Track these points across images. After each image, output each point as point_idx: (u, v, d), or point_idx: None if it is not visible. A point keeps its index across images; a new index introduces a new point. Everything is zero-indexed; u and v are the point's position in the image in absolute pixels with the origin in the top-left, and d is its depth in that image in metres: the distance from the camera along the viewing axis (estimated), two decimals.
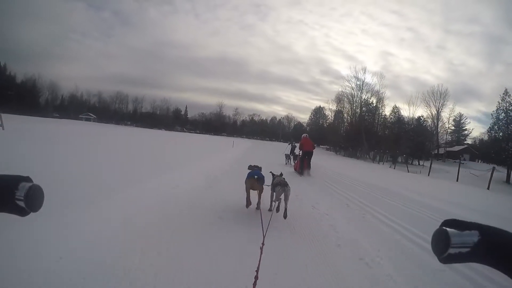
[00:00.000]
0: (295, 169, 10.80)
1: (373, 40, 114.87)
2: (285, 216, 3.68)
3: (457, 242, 0.42)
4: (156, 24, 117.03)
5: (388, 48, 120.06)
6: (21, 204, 0.48)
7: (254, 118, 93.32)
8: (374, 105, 37.26)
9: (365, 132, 33.43)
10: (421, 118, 38.08)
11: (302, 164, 10.15)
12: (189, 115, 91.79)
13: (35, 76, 71.28)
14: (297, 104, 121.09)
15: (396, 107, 38.78)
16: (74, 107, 76.46)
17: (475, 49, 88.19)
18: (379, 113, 36.46)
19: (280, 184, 3.81)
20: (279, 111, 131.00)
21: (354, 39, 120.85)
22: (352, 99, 39.22)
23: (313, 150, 10.68)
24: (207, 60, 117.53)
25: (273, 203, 4.00)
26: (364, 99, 38.11)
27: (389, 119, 37.02)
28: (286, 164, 13.24)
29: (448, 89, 39.25)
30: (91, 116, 77.34)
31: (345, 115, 46.01)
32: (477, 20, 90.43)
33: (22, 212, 0.49)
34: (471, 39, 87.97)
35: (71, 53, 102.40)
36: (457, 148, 52.33)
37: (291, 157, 13.61)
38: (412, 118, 38.13)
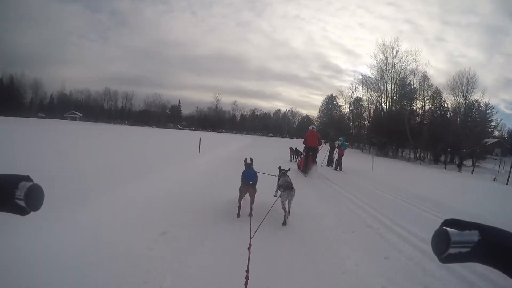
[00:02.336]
0: (298, 167, 9.70)
1: (371, 34, 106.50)
2: (283, 223, 3.57)
3: (457, 242, 0.42)
4: (152, 24, 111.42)
5: (386, 41, 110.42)
6: (21, 203, 0.49)
7: (256, 112, 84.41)
8: (413, 86, 27.86)
9: (408, 123, 24.24)
10: (475, 103, 28.30)
11: (306, 162, 8.99)
12: (186, 112, 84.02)
13: (17, 75, 66.57)
14: (298, 100, 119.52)
15: (438, 90, 28.99)
16: (60, 106, 72.07)
17: (474, 40, 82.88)
18: (423, 97, 26.84)
19: (283, 187, 3.75)
20: (281, 107, 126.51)
21: (352, 33, 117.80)
22: (381, 80, 29.94)
23: (319, 146, 9.50)
24: (205, 58, 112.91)
25: (285, 213, 3.67)
26: (398, 78, 28.80)
27: (431, 107, 27.33)
28: (291, 160, 12.13)
29: (476, 74, 28.25)
30: (77, 114, 71.95)
31: (365, 102, 36.91)
32: (474, 11, 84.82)
33: (23, 212, 0.50)
34: (469, 30, 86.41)
35: (68, 55, 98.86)
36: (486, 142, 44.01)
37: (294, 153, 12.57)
38: (458, 106, 28.32)
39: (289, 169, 4.42)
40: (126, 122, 72.74)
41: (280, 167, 4.50)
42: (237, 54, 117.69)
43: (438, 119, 26.22)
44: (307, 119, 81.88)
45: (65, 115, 68.87)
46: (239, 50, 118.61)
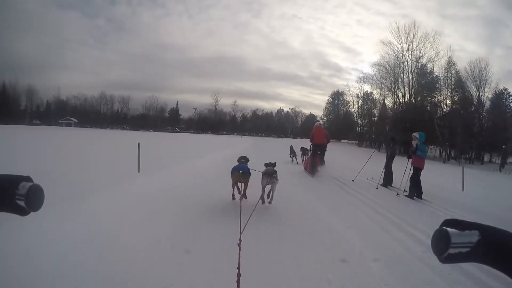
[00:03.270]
0: (304, 168, 8.65)
1: (369, 30, 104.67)
2: (269, 201, 3.97)
3: (457, 242, 0.42)
4: (150, 28, 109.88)
5: (384, 37, 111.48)
6: (22, 203, 0.49)
7: (257, 112, 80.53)
8: (434, 74, 23.82)
9: (435, 116, 20.28)
10: (504, 92, 23.98)
11: (314, 162, 7.98)
12: (186, 115, 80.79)
13: (11, 81, 65.63)
14: (300, 100, 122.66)
15: (460, 79, 24.55)
16: (56, 113, 70.29)
17: (473, 34, 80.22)
18: (450, 86, 22.56)
19: (266, 174, 3.88)
20: (282, 107, 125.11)
21: (350, 30, 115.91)
22: (398, 69, 26.03)
23: (327, 144, 8.64)
24: (204, 61, 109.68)
25: (263, 193, 3.96)
26: (417, 66, 24.89)
27: (459, 97, 23.01)
28: (292, 162, 10.51)
29: (489, 63, 23.19)
30: (72, 120, 70.01)
31: (377, 95, 33.05)
32: (472, 3, 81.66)
33: (23, 212, 0.50)
34: (468, 23, 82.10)
35: (65, 62, 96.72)
36: None
37: (297, 152, 10.76)
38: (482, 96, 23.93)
39: (274, 163, 4.29)
40: (126, 127, 70.53)
41: (265, 164, 4.34)
42: (236, 56, 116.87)
43: (466, 111, 22.09)
44: (311, 118, 78.03)
45: (59, 121, 67.05)
46: (238, 52, 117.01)
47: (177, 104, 79.88)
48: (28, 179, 0.50)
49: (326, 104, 50.73)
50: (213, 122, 74.71)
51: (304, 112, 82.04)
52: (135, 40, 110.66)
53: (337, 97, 48.49)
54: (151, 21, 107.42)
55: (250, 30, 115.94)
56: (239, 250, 1.69)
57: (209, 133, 67.72)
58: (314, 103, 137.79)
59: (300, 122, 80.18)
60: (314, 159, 8.10)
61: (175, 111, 79.55)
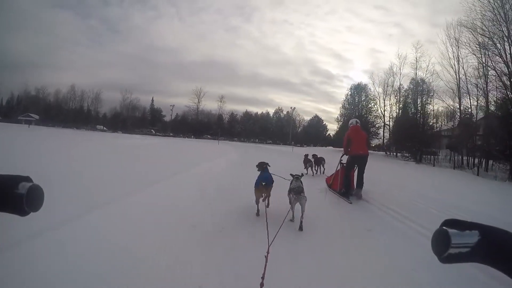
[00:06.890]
0: (328, 186, 6.03)
1: (359, 37, 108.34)
2: (300, 228, 3.38)
3: (458, 242, 0.41)
4: (142, 30, 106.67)
5: (375, 45, 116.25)
6: (21, 204, 0.49)
7: (250, 113, 67.68)
8: None
9: None
10: None
11: (348, 179, 5.35)
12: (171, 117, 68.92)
13: None
14: (290, 106, 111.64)
15: None
16: (19, 108, 65.25)
17: (466, 42, 73.87)
18: None
19: (293, 191, 3.60)
20: (281, 108, 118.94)
21: (340, 37, 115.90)
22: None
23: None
24: (194, 64, 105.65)
25: (291, 210, 3.57)
26: None
27: None
28: (307, 173, 7.90)
29: None
30: (32, 117, 62.12)
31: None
32: (463, 9, 74.50)
33: (22, 212, 0.49)
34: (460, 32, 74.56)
35: (59, 62, 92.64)
36: None
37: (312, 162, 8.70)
38: None
39: (302, 175, 3.98)
40: (104, 128, 61.82)
41: (291, 174, 4.09)
42: (228, 60, 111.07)
43: None
44: (316, 121, 65.49)
45: (19, 118, 60.24)
46: (230, 56, 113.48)
47: (152, 100, 68.16)
48: (27, 179, 0.50)
49: (344, 100, 37.65)
50: (195, 124, 62.26)
51: (302, 116, 70.21)
52: (124, 40, 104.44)
53: (357, 91, 35.47)
54: (141, 23, 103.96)
55: (241, 34, 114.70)
56: (266, 261, 1.67)
57: (192, 137, 56.97)
58: (305, 109, 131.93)
59: (300, 127, 68.06)
60: (349, 176, 5.39)
61: (149, 110, 67.80)
